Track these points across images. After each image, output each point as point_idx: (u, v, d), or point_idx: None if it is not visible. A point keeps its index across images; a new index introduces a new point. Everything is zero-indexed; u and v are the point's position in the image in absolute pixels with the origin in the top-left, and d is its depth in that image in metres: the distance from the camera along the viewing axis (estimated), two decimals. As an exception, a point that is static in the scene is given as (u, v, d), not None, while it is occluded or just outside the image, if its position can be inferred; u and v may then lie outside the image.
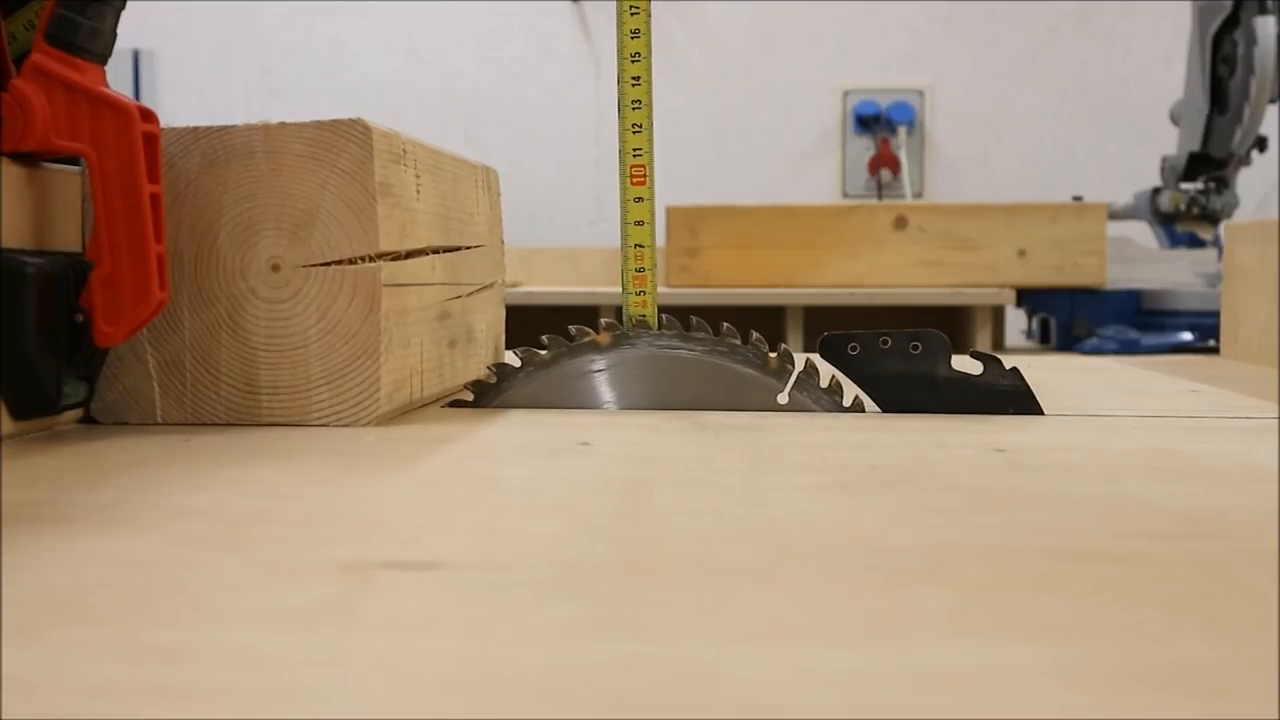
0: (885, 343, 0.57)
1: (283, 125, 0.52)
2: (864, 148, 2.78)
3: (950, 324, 1.88)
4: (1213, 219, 2.01)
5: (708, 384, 0.58)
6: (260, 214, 0.52)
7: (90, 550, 0.31)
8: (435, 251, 0.59)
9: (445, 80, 2.87)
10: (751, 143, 2.83)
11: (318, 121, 0.52)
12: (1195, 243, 2.05)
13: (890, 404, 0.58)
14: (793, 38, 2.81)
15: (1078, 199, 1.91)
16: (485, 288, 0.68)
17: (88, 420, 0.53)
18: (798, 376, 0.58)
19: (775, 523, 0.35)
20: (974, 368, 0.58)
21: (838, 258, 1.87)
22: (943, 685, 0.21)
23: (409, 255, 0.55)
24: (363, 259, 0.52)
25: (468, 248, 0.65)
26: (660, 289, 1.89)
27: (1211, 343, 1.59)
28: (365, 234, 0.52)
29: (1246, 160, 1.96)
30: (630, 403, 0.59)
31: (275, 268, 0.52)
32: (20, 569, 0.29)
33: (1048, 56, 2.78)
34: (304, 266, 0.52)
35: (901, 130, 2.75)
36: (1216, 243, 2.00)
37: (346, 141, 0.52)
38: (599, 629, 0.25)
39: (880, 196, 2.70)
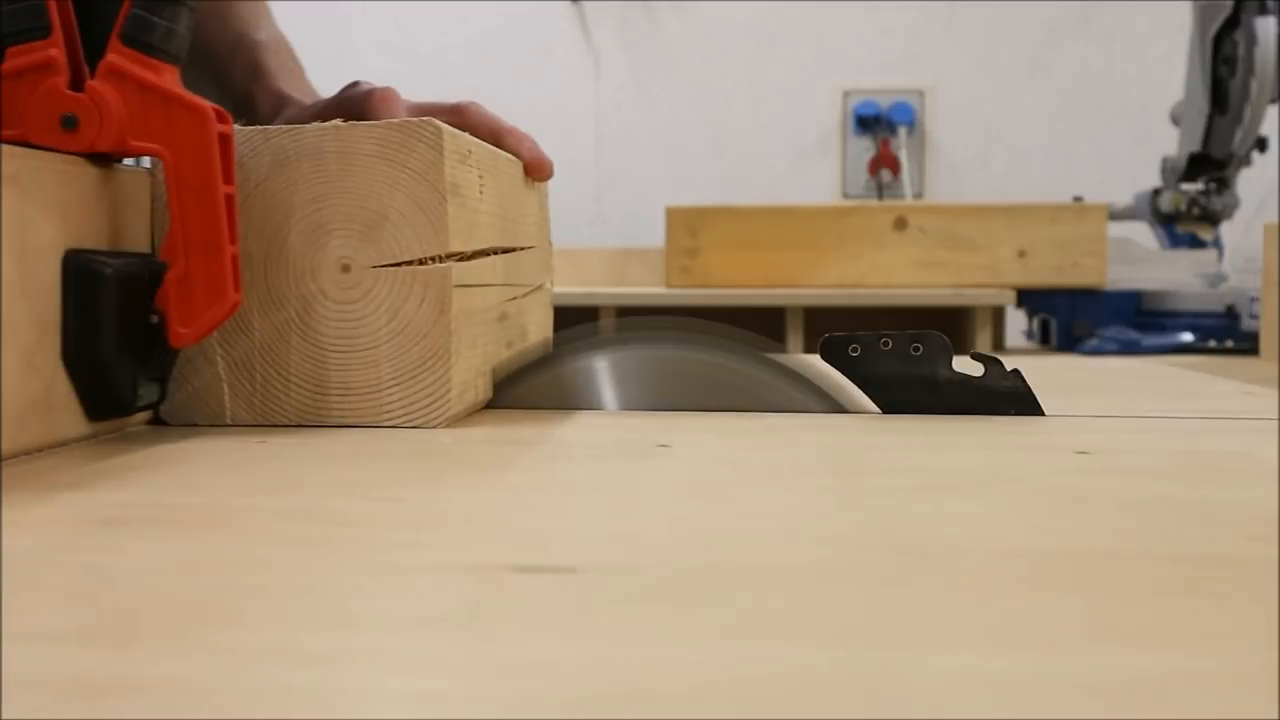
0: (886, 344, 0.57)
1: (353, 126, 0.52)
2: (864, 148, 2.78)
3: (950, 325, 1.88)
4: (1213, 219, 2.03)
5: (708, 384, 0.58)
6: (330, 214, 0.52)
7: (199, 554, 0.31)
8: (496, 252, 0.59)
9: (445, 80, 2.86)
10: (751, 143, 2.83)
11: (388, 122, 0.52)
12: (1196, 243, 2.06)
13: (892, 405, 0.58)
14: (793, 38, 2.81)
15: (1078, 199, 1.92)
16: (536, 289, 0.68)
17: (157, 422, 0.53)
18: (803, 378, 0.58)
19: (892, 528, 0.35)
20: (975, 369, 0.58)
21: (838, 258, 1.87)
22: (1093, 693, 0.21)
23: (473, 256, 0.55)
24: (433, 259, 0.52)
25: (522, 249, 0.65)
26: (660, 289, 1.87)
27: (1212, 343, 1.59)
28: (435, 234, 0.51)
29: (1247, 161, 1.97)
30: (632, 403, 0.59)
31: (345, 268, 0.52)
32: (135, 573, 0.29)
33: (1048, 56, 2.79)
34: (374, 267, 0.52)
35: (901, 131, 2.75)
36: (1217, 243, 2.01)
37: (417, 141, 0.51)
38: (733, 633, 0.25)
39: (880, 197, 2.71)
